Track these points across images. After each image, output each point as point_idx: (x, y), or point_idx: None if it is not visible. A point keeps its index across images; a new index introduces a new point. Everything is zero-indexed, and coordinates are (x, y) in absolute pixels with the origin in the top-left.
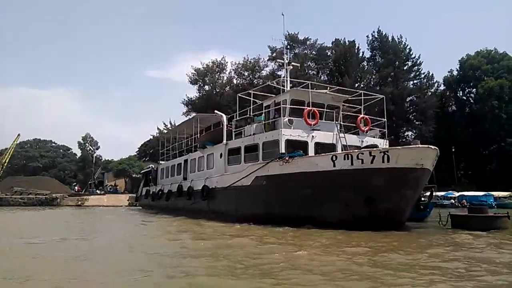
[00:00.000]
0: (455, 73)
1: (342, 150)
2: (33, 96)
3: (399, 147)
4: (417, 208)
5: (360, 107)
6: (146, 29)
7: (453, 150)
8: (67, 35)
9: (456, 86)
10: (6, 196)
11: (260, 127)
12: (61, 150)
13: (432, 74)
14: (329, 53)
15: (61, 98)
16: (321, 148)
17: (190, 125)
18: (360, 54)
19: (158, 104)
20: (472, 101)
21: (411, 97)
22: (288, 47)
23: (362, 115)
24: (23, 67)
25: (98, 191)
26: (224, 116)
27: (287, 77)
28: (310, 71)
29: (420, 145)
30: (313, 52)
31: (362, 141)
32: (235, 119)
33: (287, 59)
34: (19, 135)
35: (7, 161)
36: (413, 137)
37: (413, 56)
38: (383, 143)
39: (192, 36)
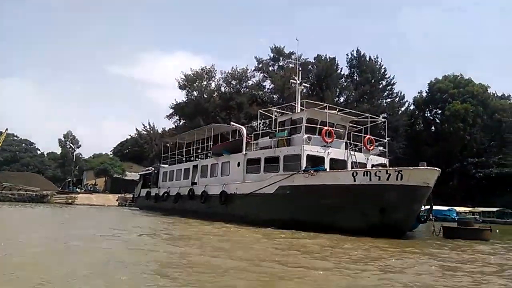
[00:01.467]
0: (424, 94)
1: (352, 166)
2: None
3: (410, 168)
4: (418, 220)
5: (361, 127)
6: (109, 22)
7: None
8: (26, 25)
9: (424, 106)
10: None
11: (275, 141)
12: (24, 145)
13: (404, 94)
14: (310, 67)
15: (15, 88)
16: (334, 163)
17: (202, 132)
18: (339, 71)
19: (122, 102)
20: (438, 121)
21: (384, 114)
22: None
23: (368, 136)
24: None
25: (78, 189)
26: (244, 129)
27: (298, 97)
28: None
29: (427, 167)
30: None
31: (368, 159)
32: (253, 133)
33: (298, 80)
34: (6, 129)
35: None
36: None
37: (387, 76)
38: (384, 161)
39: (157, 35)
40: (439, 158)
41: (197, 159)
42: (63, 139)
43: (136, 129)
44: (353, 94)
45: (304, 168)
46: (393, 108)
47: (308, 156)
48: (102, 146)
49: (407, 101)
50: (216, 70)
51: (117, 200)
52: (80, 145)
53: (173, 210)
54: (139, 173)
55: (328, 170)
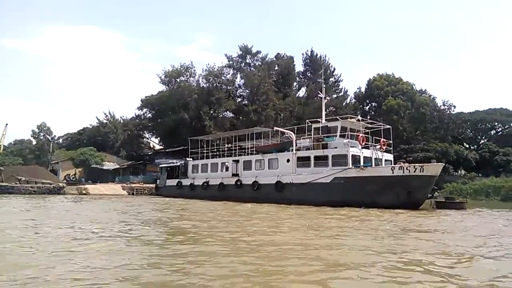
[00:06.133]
0: (363, 90)
1: (375, 161)
2: None
3: (429, 164)
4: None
5: (368, 130)
6: None
7: None
8: None
9: (363, 101)
10: (16, 184)
11: (310, 143)
12: None
13: (347, 90)
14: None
15: None
16: (365, 160)
17: (243, 133)
18: (296, 69)
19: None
20: (372, 113)
21: (333, 108)
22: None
23: (383, 139)
24: None
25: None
26: (293, 134)
27: (323, 108)
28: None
29: (438, 163)
30: (262, 64)
31: (382, 155)
32: (302, 137)
33: (322, 94)
34: (7, 124)
35: (1, 150)
36: None
37: (335, 73)
38: (391, 157)
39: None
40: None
41: (233, 155)
42: (36, 130)
43: (97, 118)
44: (309, 91)
45: (355, 165)
46: (341, 103)
47: (351, 155)
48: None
49: (348, 95)
50: (195, 67)
51: (123, 189)
52: (55, 136)
53: (217, 197)
54: (161, 166)
55: (379, 166)
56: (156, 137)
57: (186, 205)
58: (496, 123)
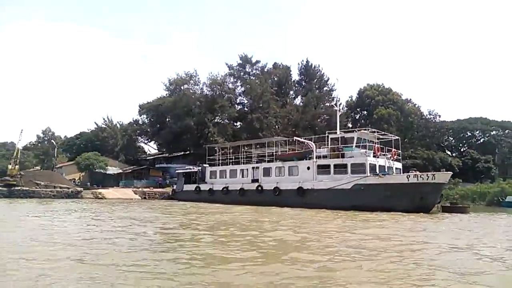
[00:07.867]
0: (354, 98)
1: (387, 169)
2: None
3: (439, 172)
4: None
5: (378, 140)
6: None
7: None
8: None
9: (354, 109)
10: (36, 189)
11: (327, 152)
12: None
13: (339, 98)
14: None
15: None
16: (379, 168)
17: (263, 142)
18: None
19: None
20: (363, 121)
21: (327, 116)
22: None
23: (394, 150)
24: None
25: None
26: (314, 144)
27: (337, 120)
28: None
29: (446, 172)
30: (262, 74)
31: (393, 164)
32: (321, 147)
33: (336, 107)
34: (22, 130)
35: (18, 156)
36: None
37: (329, 82)
38: (400, 165)
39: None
40: None
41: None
42: (41, 135)
43: (95, 123)
44: (306, 100)
45: (374, 172)
46: (333, 111)
47: (369, 164)
48: None
49: (341, 103)
50: (198, 75)
51: (136, 194)
52: (58, 141)
53: (237, 202)
54: (178, 172)
55: (395, 174)
56: (156, 143)
57: (228, 208)
58: (477, 131)
